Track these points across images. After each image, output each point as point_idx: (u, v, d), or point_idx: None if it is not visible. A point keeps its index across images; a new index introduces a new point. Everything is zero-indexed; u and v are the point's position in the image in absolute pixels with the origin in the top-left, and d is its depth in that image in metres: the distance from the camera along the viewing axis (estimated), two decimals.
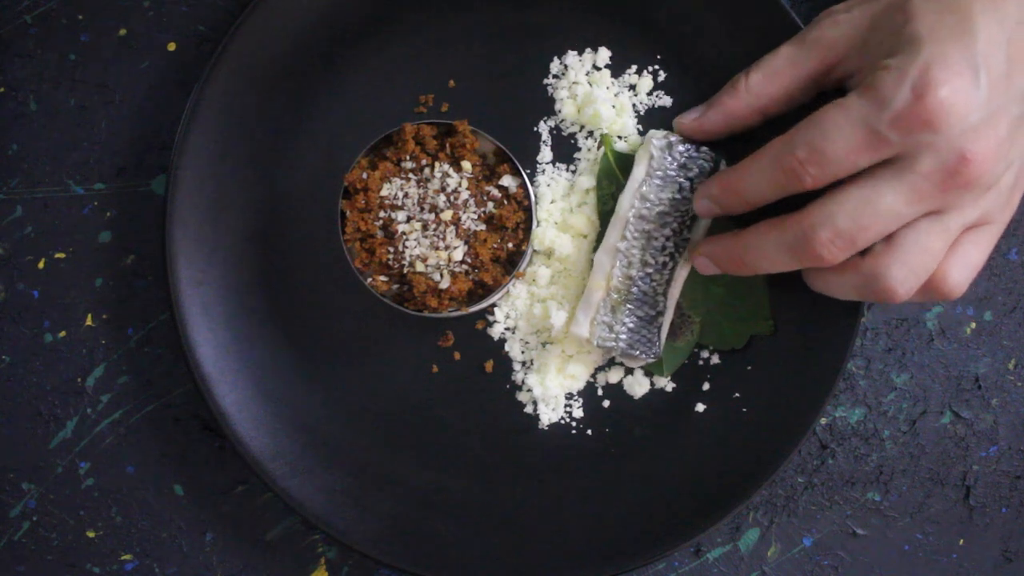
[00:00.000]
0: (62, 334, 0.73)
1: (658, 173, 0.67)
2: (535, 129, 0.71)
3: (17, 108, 0.73)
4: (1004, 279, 0.73)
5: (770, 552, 0.73)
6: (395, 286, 0.67)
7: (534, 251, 0.70)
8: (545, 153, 0.71)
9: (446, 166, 0.67)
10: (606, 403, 0.71)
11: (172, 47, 0.73)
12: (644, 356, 0.67)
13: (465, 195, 0.66)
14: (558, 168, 0.71)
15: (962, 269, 0.61)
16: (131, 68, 0.73)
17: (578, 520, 0.70)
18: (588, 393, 0.71)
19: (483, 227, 0.67)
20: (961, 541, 0.73)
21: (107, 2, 0.73)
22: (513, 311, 0.71)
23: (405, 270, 0.66)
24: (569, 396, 0.71)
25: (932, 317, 0.73)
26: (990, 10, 0.56)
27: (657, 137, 0.67)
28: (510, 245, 0.67)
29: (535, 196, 0.70)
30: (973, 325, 0.73)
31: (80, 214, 0.73)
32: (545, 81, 0.71)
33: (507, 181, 0.67)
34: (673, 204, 0.67)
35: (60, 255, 0.73)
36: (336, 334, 0.71)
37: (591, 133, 0.71)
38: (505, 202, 0.67)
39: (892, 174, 0.57)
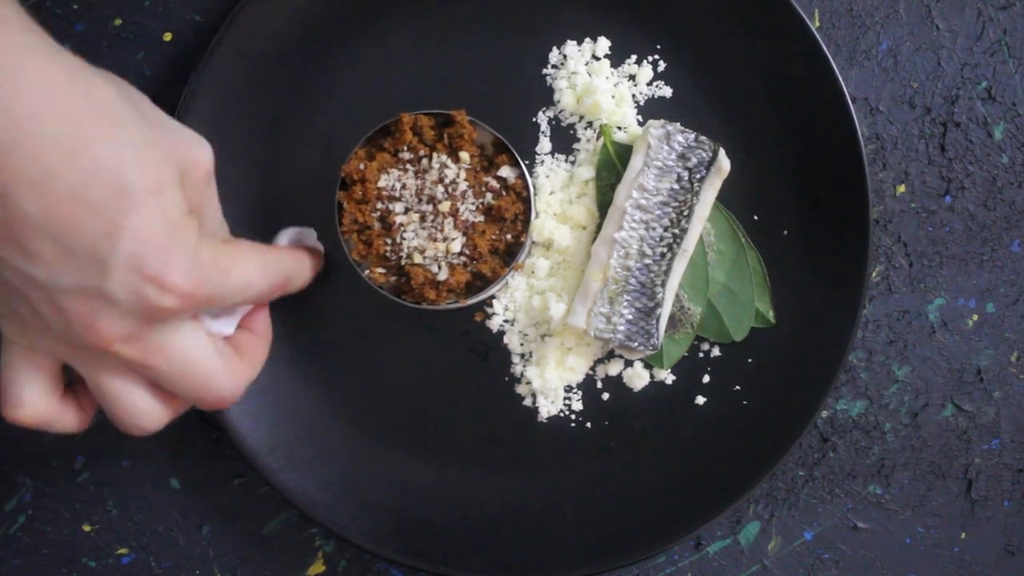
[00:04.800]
0: None
1: (656, 163, 0.66)
2: (534, 120, 0.71)
3: None
4: (1007, 271, 0.73)
5: (771, 545, 0.73)
6: (393, 278, 0.67)
7: (533, 242, 0.70)
8: (544, 144, 0.71)
9: (444, 157, 0.66)
10: (605, 396, 0.71)
11: (168, 37, 0.72)
12: (642, 348, 0.67)
13: (463, 186, 0.66)
14: (557, 159, 0.71)
15: None
16: (126, 58, 0.72)
17: (577, 513, 0.70)
18: (587, 386, 0.71)
19: (481, 218, 0.67)
20: (963, 534, 0.73)
21: None
22: (512, 303, 0.70)
23: (403, 262, 0.66)
24: (568, 389, 0.71)
25: (934, 310, 0.73)
26: None
27: (655, 126, 0.66)
28: (509, 236, 0.67)
29: (534, 187, 0.69)
30: (975, 317, 0.73)
31: None
32: (544, 71, 0.71)
33: (506, 172, 0.67)
34: (671, 194, 0.66)
35: None
36: (333, 326, 0.71)
37: (590, 124, 0.71)
38: (504, 193, 0.67)
39: None
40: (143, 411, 0.57)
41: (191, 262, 0.51)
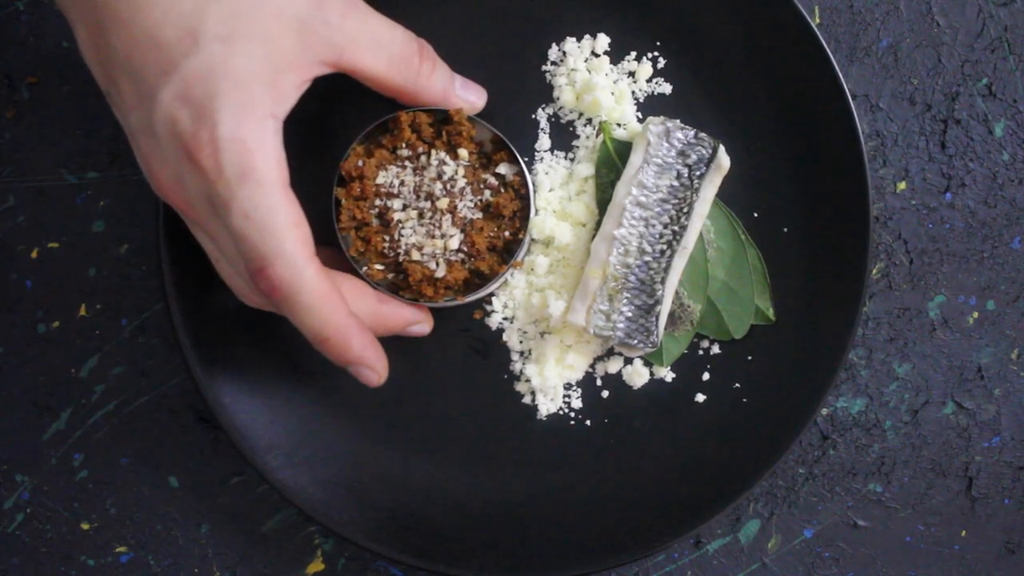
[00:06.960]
0: (55, 324, 0.72)
1: (655, 160, 0.66)
2: (533, 116, 0.71)
3: (10, 96, 0.72)
4: (1007, 268, 0.72)
5: (771, 543, 0.73)
6: (391, 275, 0.67)
7: (532, 240, 0.70)
8: (543, 141, 0.70)
9: (443, 154, 0.66)
10: (605, 393, 0.70)
11: None
12: (642, 345, 0.67)
13: (462, 183, 0.66)
14: (556, 156, 0.71)
15: None
16: None
17: (577, 511, 0.69)
18: (587, 383, 0.71)
19: (480, 215, 0.66)
20: (963, 532, 0.73)
21: None
22: (511, 300, 0.70)
23: (401, 259, 0.66)
24: (568, 386, 0.71)
25: (934, 307, 0.72)
26: None
27: (655, 123, 0.66)
28: (507, 234, 0.67)
29: (533, 184, 0.69)
30: (976, 315, 0.72)
31: (73, 203, 0.72)
32: (543, 68, 0.71)
33: (504, 169, 0.67)
34: (671, 191, 0.66)
35: (53, 244, 0.72)
36: None
37: (590, 120, 0.70)
38: (502, 190, 0.67)
39: None
40: (226, 273, 0.55)
41: (230, 130, 0.48)
